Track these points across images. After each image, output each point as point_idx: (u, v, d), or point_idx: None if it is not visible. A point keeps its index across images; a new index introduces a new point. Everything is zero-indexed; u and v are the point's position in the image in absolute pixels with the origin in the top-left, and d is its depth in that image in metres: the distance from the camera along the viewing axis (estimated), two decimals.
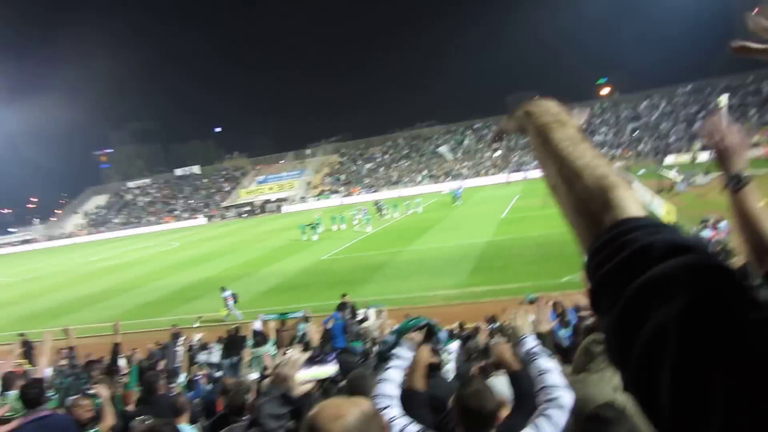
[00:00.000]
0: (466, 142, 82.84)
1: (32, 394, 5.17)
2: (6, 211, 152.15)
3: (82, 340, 19.53)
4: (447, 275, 22.61)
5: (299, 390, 2.54)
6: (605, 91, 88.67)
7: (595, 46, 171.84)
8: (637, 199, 0.88)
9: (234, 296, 21.98)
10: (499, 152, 76.29)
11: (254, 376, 10.65)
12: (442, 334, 3.63)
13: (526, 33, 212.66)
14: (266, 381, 3.38)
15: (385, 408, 2.86)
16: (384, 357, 3.26)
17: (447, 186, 63.98)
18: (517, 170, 69.98)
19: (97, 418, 5.78)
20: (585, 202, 0.92)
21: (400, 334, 3.50)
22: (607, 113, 77.49)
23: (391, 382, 3.08)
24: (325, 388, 5.15)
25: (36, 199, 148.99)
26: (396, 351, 3.28)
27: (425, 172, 78.18)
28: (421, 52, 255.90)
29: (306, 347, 13.22)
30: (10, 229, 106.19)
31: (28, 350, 18.32)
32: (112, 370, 8.68)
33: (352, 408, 1.80)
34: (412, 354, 3.29)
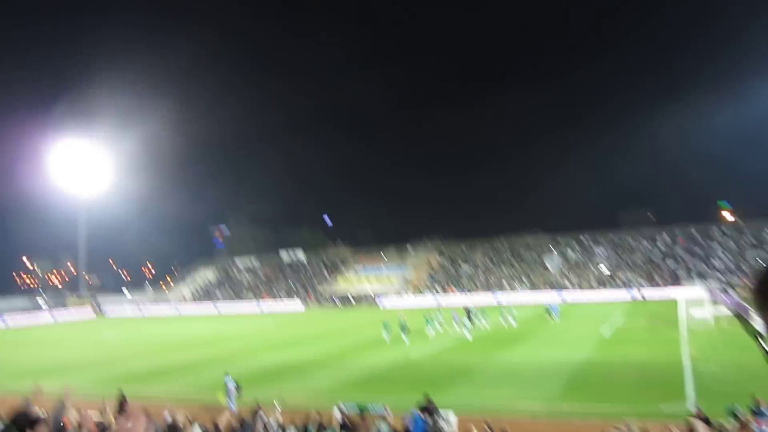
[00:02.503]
0: (571, 255, 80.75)
1: None
2: (123, 271, 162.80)
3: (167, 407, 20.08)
4: (537, 389, 21.58)
5: None
6: (727, 215, 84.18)
7: (719, 167, 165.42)
8: None
9: (237, 387, 21.83)
10: (605, 269, 73.69)
11: None
12: None
13: (646, 148, 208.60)
14: None
15: None
16: None
17: (545, 297, 62.02)
18: (623, 288, 67.08)
19: None
20: None
21: None
22: (727, 238, 73.44)
23: None
24: None
25: (151, 265, 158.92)
26: None
27: (525, 280, 76.46)
28: (533, 159, 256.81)
29: None
30: (124, 289, 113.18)
31: (121, 405, 19.08)
32: None
33: None
34: None
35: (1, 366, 33.59)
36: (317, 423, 14.51)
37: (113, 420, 12.75)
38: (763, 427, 11.55)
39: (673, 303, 48.64)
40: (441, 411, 15.25)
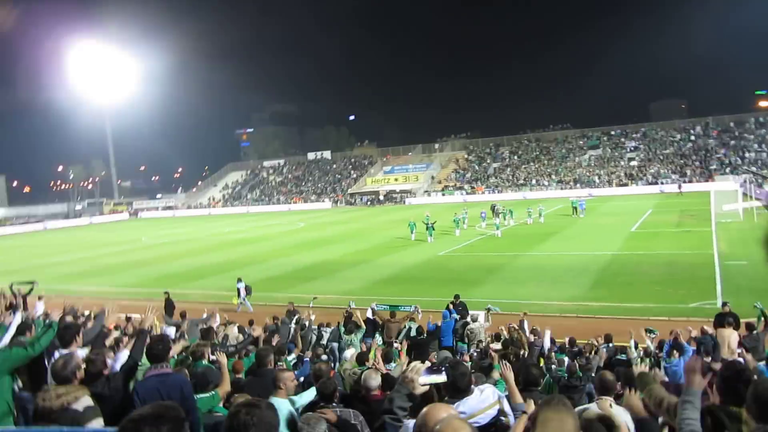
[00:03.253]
0: (600, 149, 79.38)
1: (158, 350, 5.59)
2: (155, 178, 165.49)
3: (206, 305, 20.91)
4: (565, 285, 21.85)
5: (420, 390, 3.39)
6: (764, 103, 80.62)
7: (755, 55, 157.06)
8: None
9: (248, 288, 22.70)
10: (635, 162, 72.50)
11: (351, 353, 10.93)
12: None
13: (677, 37, 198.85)
14: (398, 377, 4.06)
15: None
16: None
17: (574, 193, 61.53)
18: (654, 182, 66.23)
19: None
20: None
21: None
22: (763, 128, 71.13)
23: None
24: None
25: (181, 170, 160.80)
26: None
27: (554, 176, 75.83)
28: (559, 53, 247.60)
29: (415, 339, 13.35)
30: (157, 195, 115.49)
31: (169, 306, 19.98)
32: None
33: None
34: None
35: (45, 267, 35.04)
36: (347, 321, 14.98)
37: (157, 323, 13.30)
38: None
39: (705, 196, 47.94)
40: (472, 312, 15.55)
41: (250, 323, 15.59)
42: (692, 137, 74.87)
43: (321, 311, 19.37)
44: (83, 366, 5.12)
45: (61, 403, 4.48)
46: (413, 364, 3.66)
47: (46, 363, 6.46)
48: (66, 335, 6.00)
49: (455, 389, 3.65)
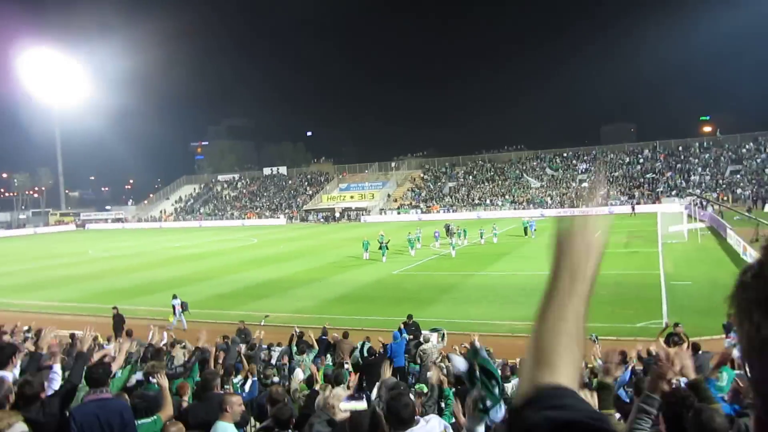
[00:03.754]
0: (552, 170, 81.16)
1: (98, 374, 5.39)
2: (104, 189, 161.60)
3: (151, 321, 20.34)
4: (517, 305, 22.04)
5: (340, 416, 3.49)
6: (708, 128, 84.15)
7: (700, 82, 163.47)
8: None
9: (183, 305, 22.49)
10: (585, 184, 74.33)
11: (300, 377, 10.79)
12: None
13: (628, 63, 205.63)
14: (318, 403, 3.97)
15: None
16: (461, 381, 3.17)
17: (527, 214, 62.54)
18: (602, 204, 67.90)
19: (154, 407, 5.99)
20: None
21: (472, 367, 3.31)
22: (707, 153, 74.06)
23: None
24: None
25: (132, 181, 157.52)
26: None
27: (507, 197, 77.08)
28: (514, 75, 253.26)
29: (367, 360, 13.25)
30: (107, 207, 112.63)
31: (118, 322, 19.39)
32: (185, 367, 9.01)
33: None
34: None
35: None
36: (301, 341, 14.78)
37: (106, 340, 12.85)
38: (731, 341, 11.89)
39: (652, 218, 49.43)
40: (425, 332, 15.55)
41: (239, 332, 15.41)
42: (641, 160, 77.39)
43: (272, 330, 19.09)
44: (14, 390, 4.89)
45: None
46: (334, 390, 3.78)
47: None
48: (1, 357, 5.73)
49: (399, 421, 3.59)
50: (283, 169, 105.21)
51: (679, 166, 73.31)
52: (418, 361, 13.58)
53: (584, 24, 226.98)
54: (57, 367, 6.43)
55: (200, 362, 10.10)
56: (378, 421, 3.77)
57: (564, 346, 0.99)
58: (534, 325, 1.01)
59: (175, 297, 22.74)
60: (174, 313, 22.27)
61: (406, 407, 3.61)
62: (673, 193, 66.62)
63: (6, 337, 10.29)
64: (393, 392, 5.52)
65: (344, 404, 3.46)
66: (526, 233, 44.84)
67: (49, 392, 5.76)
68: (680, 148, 77.06)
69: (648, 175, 72.95)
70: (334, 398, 3.52)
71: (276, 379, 11.82)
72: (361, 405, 3.58)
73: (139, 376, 8.21)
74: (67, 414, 5.21)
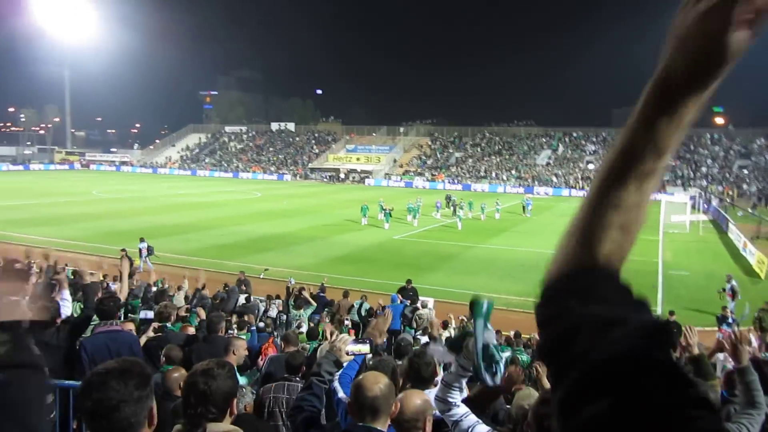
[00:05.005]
0: (560, 149, 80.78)
1: (108, 306, 5.54)
2: (110, 131, 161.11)
3: (156, 267, 20.58)
4: (515, 280, 22.25)
5: (345, 358, 3.71)
6: (720, 120, 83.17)
7: None
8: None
9: (149, 249, 22.98)
10: (592, 165, 74.09)
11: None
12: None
13: (643, 48, 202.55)
14: (324, 347, 4.52)
15: (452, 406, 3.08)
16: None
17: (527, 191, 62.45)
18: None
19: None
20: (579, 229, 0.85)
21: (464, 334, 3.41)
22: (717, 145, 73.63)
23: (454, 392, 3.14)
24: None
25: (139, 126, 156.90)
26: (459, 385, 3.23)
27: (513, 172, 76.86)
28: (529, 52, 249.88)
29: (364, 318, 13.48)
30: (112, 149, 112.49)
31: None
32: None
33: (384, 378, 2.96)
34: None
35: None
36: (297, 296, 15.00)
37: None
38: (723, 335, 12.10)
39: (656, 206, 49.43)
40: (421, 297, 15.77)
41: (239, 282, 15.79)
42: None
43: (271, 283, 19.33)
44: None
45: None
46: (342, 335, 3.99)
47: None
48: None
49: (418, 379, 3.74)
50: (291, 125, 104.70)
51: (687, 155, 72.91)
52: (414, 326, 13.80)
53: (603, 6, 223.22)
54: (66, 294, 6.59)
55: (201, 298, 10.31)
56: (395, 375, 3.95)
57: (615, 232, 0.81)
58: (582, 205, 0.85)
59: (142, 240, 23.22)
60: (140, 256, 22.60)
61: (427, 366, 3.75)
62: (679, 182, 66.40)
63: (18, 265, 10.42)
64: (417, 350, 5.71)
65: (350, 347, 3.67)
66: (524, 211, 44.54)
67: (67, 305, 5.96)
68: (690, 138, 76.47)
69: None
70: (340, 341, 3.72)
71: (271, 330, 12.08)
72: (366, 348, 3.82)
73: (148, 314, 8.39)
74: (78, 345, 5.38)
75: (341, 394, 3.66)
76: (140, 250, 22.77)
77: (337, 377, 3.73)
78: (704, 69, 0.74)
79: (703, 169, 69.47)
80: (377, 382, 2.88)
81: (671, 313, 13.90)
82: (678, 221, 37.29)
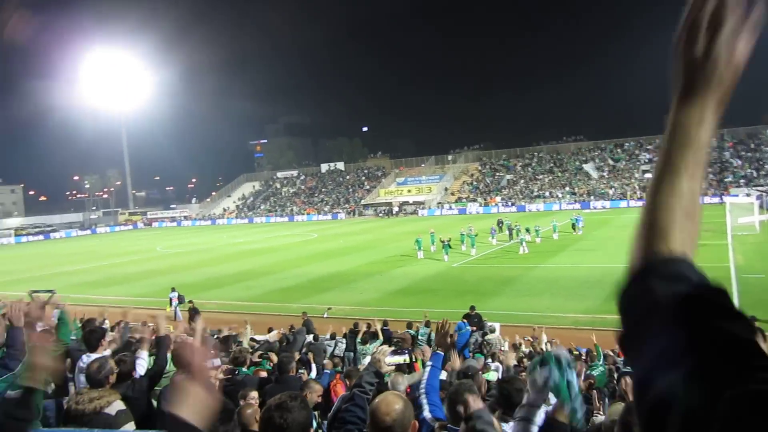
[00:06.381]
0: (613, 161, 79.08)
1: None
2: (168, 188, 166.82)
3: (221, 315, 21.05)
4: (581, 298, 21.79)
5: (385, 369, 3.83)
6: None
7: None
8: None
9: (180, 298, 23.48)
10: (649, 174, 72.13)
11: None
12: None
13: None
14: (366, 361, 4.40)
15: None
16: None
17: (578, 207, 61.16)
18: None
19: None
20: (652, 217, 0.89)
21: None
22: None
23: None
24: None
25: (195, 180, 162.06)
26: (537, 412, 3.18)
27: (567, 188, 75.62)
28: (572, 66, 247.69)
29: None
30: (171, 206, 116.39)
31: (193, 315, 20.36)
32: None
33: (400, 401, 2.85)
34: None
35: (62, 275, 35.41)
36: (364, 332, 15.04)
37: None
38: None
39: (719, 209, 47.67)
40: (489, 323, 15.60)
41: (269, 330, 15.82)
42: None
43: (335, 322, 19.44)
44: (116, 370, 5.24)
45: (94, 407, 4.58)
46: (382, 347, 4.13)
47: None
48: (92, 339, 6.14)
49: (509, 404, 3.71)
50: (340, 165, 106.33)
51: (749, 155, 70.24)
52: (484, 351, 13.63)
53: (646, 8, 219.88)
54: (144, 353, 6.83)
55: (269, 348, 10.46)
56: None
57: (680, 220, 0.87)
58: (646, 198, 0.92)
59: (173, 290, 23.88)
60: (170, 304, 23.21)
61: (519, 392, 3.70)
62: (742, 182, 63.91)
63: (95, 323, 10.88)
64: (507, 375, 5.70)
65: (389, 358, 3.87)
66: (574, 229, 42.49)
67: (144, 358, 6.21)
68: (747, 136, 73.73)
69: (715, 165, 69.90)
70: (380, 353, 3.90)
71: (339, 368, 12.10)
72: (403, 358, 4.10)
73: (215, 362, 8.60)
74: (158, 393, 5.60)
75: (426, 413, 3.67)
76: (170, 299, 23.57)
77: (424, 392, 3.81)
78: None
79: (767, 167, 66.70)
80: (393, 406, 2.78)
81: (753, 318, 13.29)
82: (746, 222, 35.81)
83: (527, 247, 34.64)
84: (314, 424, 4.40)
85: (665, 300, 0.75)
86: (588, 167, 77.70)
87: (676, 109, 0.89)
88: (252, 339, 14.99)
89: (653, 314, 0.75)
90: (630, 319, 0.82)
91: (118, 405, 4.77)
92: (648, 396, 0.67)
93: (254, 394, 5.69)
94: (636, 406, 0.70)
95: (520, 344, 12.89)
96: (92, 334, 6.24)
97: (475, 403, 3.25)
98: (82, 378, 5.32)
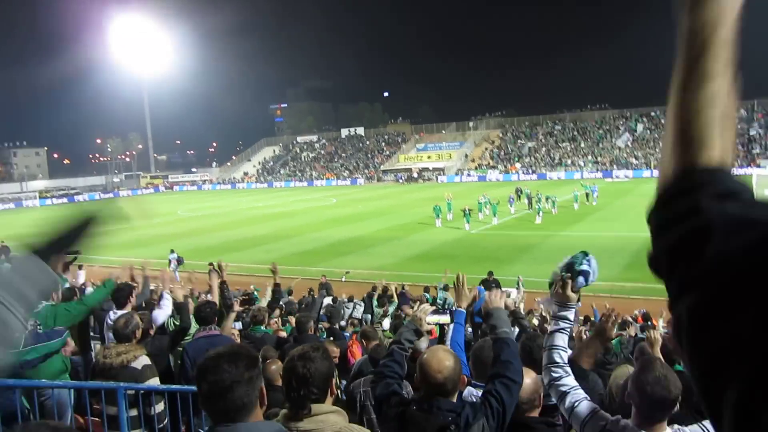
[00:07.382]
0: (639, 129, 77.76)
1: (206, 312, 5.90)
2: (190, 152, 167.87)
3: (241, 278, 21.34)
4: (599, 266, 21.60)
5: (425, 327, 3.77)
6: None
7: None
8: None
9: (179, 259, 23.69)
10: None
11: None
12: None
13: None
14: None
15: (560, 378, 3.05)
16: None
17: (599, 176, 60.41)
18: None
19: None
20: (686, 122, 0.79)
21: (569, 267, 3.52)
22: None
23: (559, 350, 3.16)
24: None
25: (216, 144, 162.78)
26: (564, 313, 3.35)
27: (590, 157, 74.70)
28: (597, 31, 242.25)
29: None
30: (192, 170, 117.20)
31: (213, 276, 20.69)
32: (272, 307, 9.52)
33: (451, 357, 2.96)
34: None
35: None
36: (381, 294, 15.23)
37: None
38: None
39: (747, 181, 46.99)
40: (505, 288, 15.66)
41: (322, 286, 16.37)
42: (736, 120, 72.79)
43: (353, 285, 19.67)
44: (142, 325, 5.40)
45: (122, 361, 4.75)
46: (423, 306, 4.05)
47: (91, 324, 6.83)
48: (120, 296, 6.31)
49: (531, 360, 3.79)
50: (360, 130, 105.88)
51: None
52: None
53: None
54: (166, 293, 7.07)
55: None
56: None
57: (718, 125, 0.77)
58: (673, 104, 0.80)
59: (172, 251, 23.97)
60: (170, 266, 23.38)
61: (540, 348, 3.77)
62: None
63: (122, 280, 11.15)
64: (529, 333, 5.79)
65: (430, 317, 3.81)
66: (588, 199, 41.30)
67: (162, 315, 6.43)
68: None
69: (744, 136, 68.33)
70: (421, 311, 3.80)
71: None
72: (445, 318, 4.08)
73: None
74: (181, 349, 5.80)
75: None
76: (170, 261, 23.84)
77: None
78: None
79: None
80: (445, 363, 2.90)
81: None
82: None
83: (542, 217, 34.32)
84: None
85: (720, 219, 0.67)
86: (620, 142, 76.14)
87: (690, 8, 0.80)
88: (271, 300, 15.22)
89: (704, 235, 0.66)
90: (670, 238, 0.73)
91: (144, 359, 4.94)
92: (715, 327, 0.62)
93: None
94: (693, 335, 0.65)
95: (536, 310, 12.98)
96: (120, 292, 6.41)
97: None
98: (111, 335, 5.49)
